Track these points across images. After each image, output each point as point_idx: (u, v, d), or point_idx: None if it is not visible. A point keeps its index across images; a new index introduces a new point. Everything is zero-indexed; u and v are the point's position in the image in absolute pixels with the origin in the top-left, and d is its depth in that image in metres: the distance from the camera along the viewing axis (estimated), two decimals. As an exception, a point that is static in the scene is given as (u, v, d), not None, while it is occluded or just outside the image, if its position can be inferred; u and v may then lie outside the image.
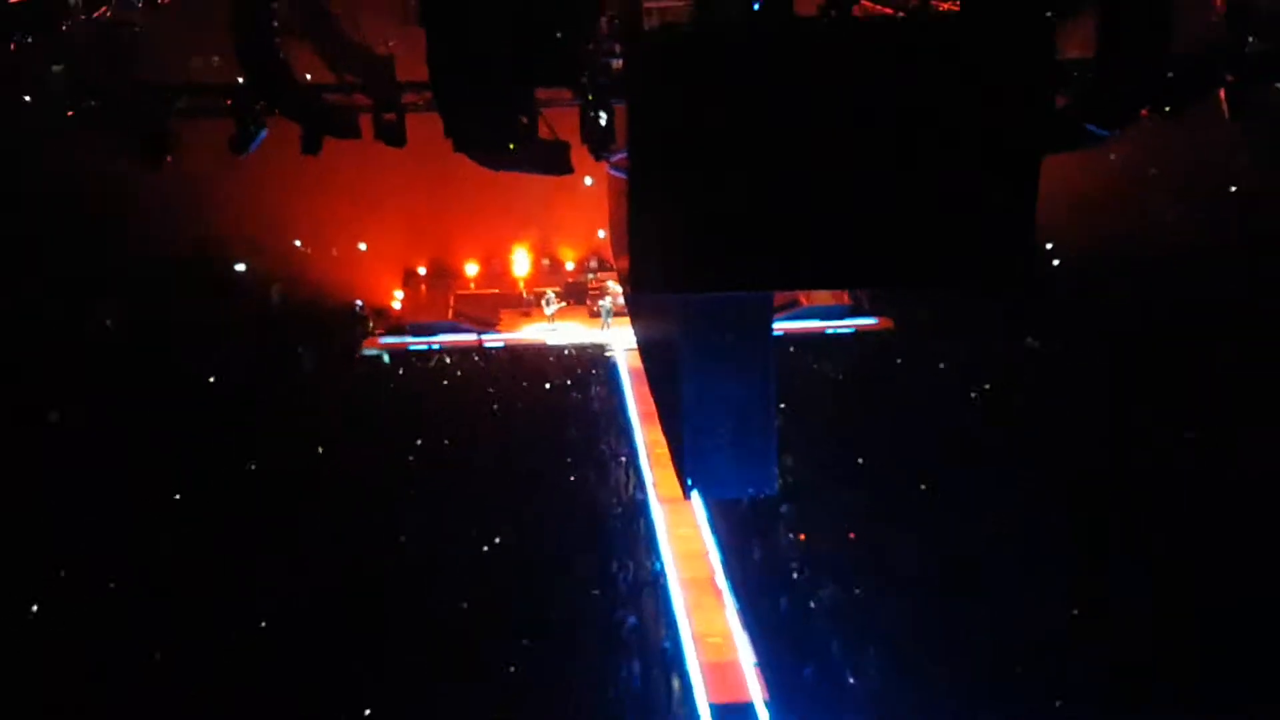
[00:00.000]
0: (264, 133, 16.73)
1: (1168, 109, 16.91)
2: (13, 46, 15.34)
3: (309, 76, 17.33)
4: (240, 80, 16.37)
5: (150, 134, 16.42)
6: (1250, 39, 17.18)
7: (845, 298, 36.00)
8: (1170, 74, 16.40)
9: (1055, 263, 35.19)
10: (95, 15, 16.49)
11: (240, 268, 37.99)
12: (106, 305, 31.63)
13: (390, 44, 18.80)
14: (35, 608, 21.64)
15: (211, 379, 30.58)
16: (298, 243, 38.92)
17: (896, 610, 21.61)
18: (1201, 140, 33.45)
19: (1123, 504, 24.61)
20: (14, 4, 14.99)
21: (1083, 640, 21.13)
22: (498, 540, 24.35)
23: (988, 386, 31.10)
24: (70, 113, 17.06)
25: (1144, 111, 16.53)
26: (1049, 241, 32.19)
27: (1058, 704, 19.72)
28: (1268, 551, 21.60)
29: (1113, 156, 32.70)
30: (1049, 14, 14.18)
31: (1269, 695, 18.97)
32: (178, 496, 25.35)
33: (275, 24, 16.16)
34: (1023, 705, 19.79)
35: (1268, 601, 20.67)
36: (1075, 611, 21.95)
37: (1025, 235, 13.78)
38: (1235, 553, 21.88)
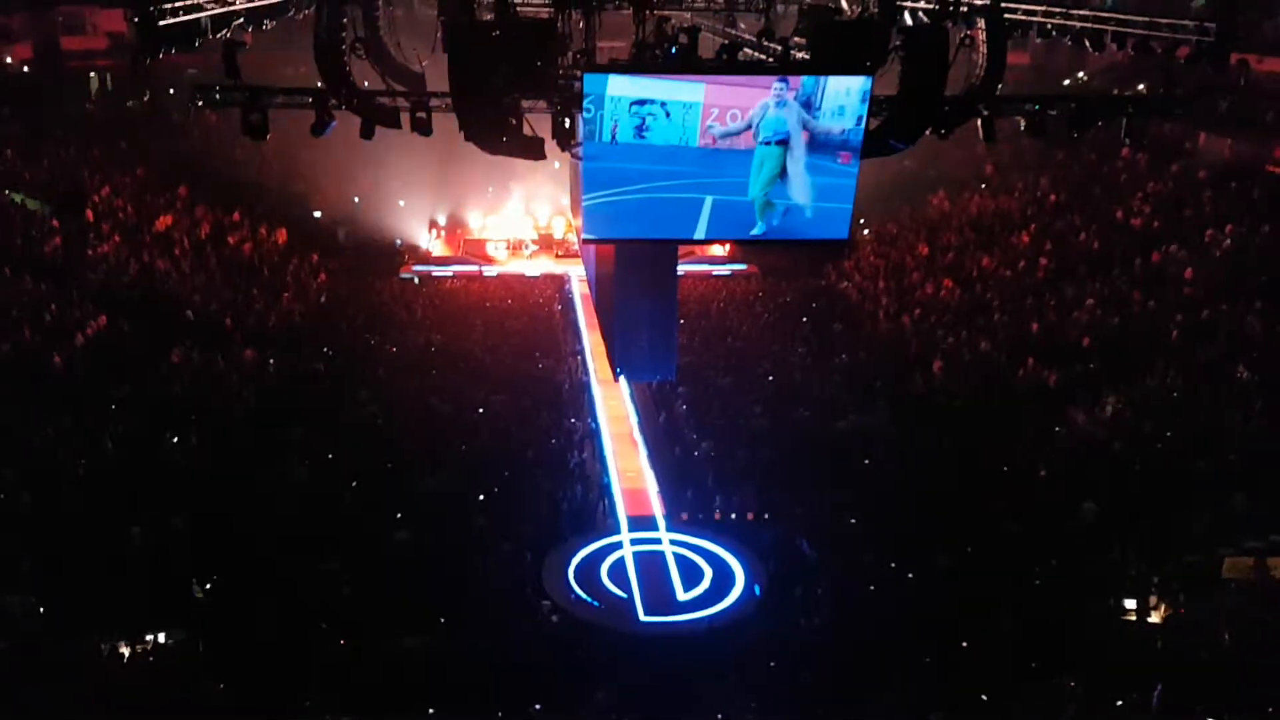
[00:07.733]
0: (334, 123, 16.28)
1: (943, 131, 16.90)
2: (162, 55, 14.80)
3: (366, 84, 16.85)
4: (319, 85, 15.93)
5: (253, 120, 15.94)
6: (999, 85, 17.20)
7: (726, 251, 36.10)
8: (945, 108, 16.40)
9: (865, 232, 35.48)
10: (218, 36, 15.93)
11: (317, 214, 37.43)
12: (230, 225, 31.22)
13: (424, 63, 18.37)
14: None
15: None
16: (356, 199, 38.40)
17: (752, 457, 21.84)
18: (965, 151, 34.16)
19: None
20: (163, 27, 14.44)
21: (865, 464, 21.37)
22: (490, 401, 24.16)
23: (814, 306, 31.52)
24: (200, 102, 16.56)
25: (927, 131, 16.53)
26: (860, 215, 32.39)
27: (852, 521, 19.95)
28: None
29: (906, 161, 33.13)
30: (868, 64, 14.16)
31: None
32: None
33: (344, 47, 15.78)
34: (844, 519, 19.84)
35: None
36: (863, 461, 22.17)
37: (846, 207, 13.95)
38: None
